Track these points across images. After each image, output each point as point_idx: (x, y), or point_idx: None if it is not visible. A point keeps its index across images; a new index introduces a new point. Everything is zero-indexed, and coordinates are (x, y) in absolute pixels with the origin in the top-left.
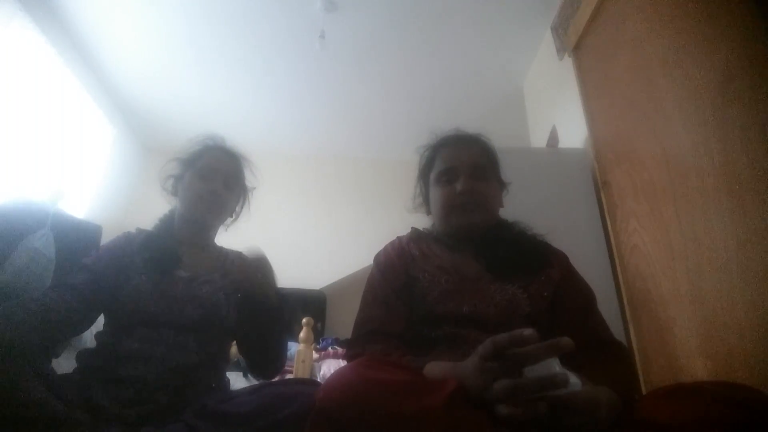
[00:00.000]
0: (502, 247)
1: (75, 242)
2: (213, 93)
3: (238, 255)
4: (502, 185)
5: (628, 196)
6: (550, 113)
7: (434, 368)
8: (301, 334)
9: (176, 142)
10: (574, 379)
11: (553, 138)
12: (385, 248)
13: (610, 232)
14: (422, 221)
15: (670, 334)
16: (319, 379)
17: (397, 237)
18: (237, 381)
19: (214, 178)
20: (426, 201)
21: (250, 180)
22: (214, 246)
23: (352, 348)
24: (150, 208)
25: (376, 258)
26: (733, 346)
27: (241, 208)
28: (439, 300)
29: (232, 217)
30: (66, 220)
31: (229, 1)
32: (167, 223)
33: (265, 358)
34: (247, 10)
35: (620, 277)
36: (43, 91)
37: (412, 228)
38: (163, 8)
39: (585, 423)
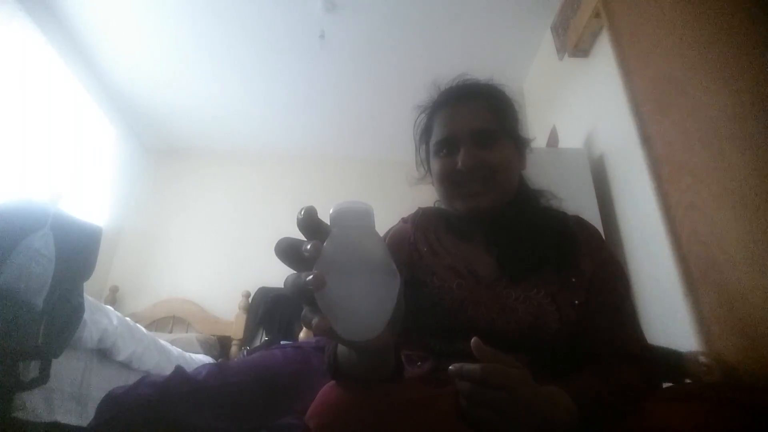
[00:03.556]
0: (519, 237)
1: (75, 242)
2: (213, 93)
3: None
4: (520, 143)
5: (679, 147)
6: (550, 113)
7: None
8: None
9: (176, 142)
10: None
11: (553, 138)
12: (389, 235)
13: (657, 195)
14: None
15: (746, 305)
16: None
17: (401, 220)
18: None
19: None
20: (430, 170)
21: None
22: None
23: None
24: (150, 208)
25: None
26: None
27: None
28: (451, 311)
29: None
30: (66, 220)
31: (229, 1)
32: None
33: None
34: (247, 10)
35: (673, 244)
36: (43, 92)
37: (419, 208)
38: (163, 8)
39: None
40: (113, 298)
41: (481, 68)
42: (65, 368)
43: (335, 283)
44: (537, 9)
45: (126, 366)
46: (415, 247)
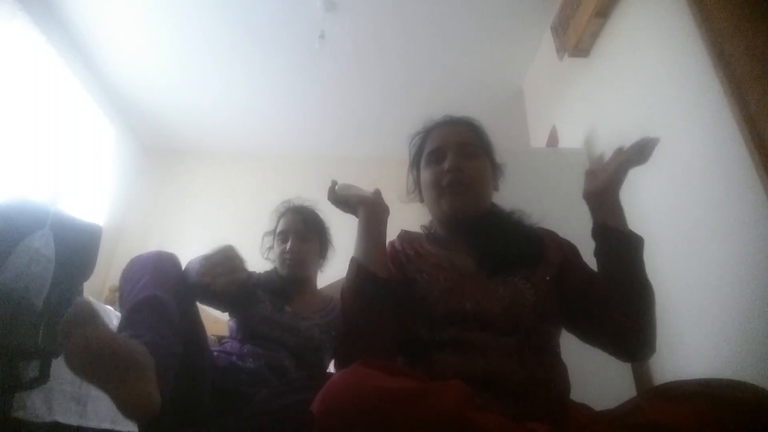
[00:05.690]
0: (495, 240)
1: (75, 242)
2: (212, 93)
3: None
4: (495, 167)
5: None
6: (550, 113)
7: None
8: None
9: (176, 141)
10: None
11: (553, 138)
12: None
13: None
14: (415, 219)
15: None
16: None
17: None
18: None
19: (288, 238)
20: (419, 188)
21: (329, 222)
22: (316, 290)
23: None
24: (149, 208)
25: None
26: None
27: (326, 249)
28: (440, 299)
29: (323, 259)
30: (66, 220)
31: (229, 1)
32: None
33: None
34: (247, 9)
35: None
36: (43, 91)
37: (401, 230)
38: (163, 8)
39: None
40: (113, 298)
41: (481, 68)
42: (65, 368)
43: None
44: (537, 9)
45: None
46: (403, 253)
